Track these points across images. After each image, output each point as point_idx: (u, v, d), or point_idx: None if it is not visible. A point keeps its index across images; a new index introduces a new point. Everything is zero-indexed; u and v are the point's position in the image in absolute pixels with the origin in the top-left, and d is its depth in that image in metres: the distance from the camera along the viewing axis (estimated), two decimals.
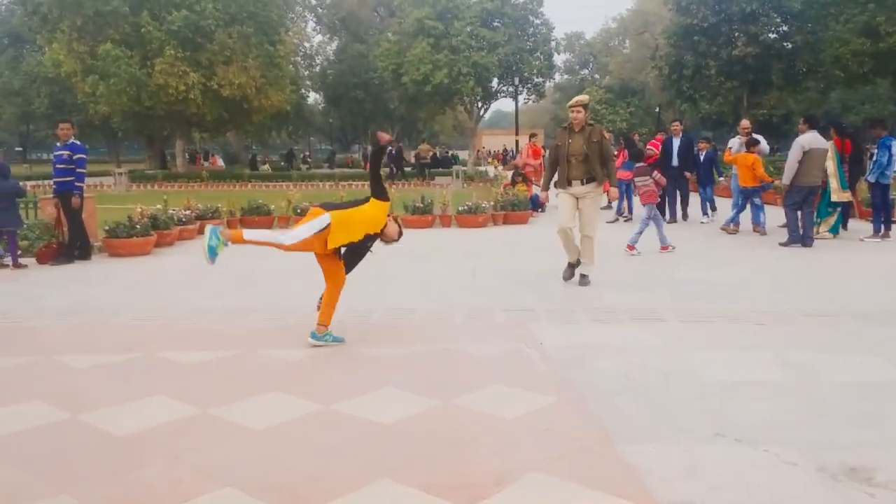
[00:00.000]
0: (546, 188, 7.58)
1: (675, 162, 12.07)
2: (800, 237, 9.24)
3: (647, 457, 3.04)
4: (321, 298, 4.83)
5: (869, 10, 24.64)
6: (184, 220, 10.80)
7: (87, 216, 9.35)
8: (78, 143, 8.96)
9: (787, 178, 9.39)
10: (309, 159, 45.84)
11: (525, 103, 49.23)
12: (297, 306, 5.91)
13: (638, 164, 9.22)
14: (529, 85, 39.48)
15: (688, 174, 12.31)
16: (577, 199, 6.78)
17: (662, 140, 12.73)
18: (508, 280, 7.21)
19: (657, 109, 48.52)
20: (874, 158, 9.69)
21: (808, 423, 3.42)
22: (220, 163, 42.99)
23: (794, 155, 9.25)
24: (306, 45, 48.54)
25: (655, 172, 8.99)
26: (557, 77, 54.54)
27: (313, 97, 54.71)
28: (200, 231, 11.10)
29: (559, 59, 50.87)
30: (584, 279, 6.82)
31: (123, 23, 27.73)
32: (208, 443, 3.29)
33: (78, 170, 8.78)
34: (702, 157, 12.55)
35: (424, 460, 3.07)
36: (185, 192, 21.40)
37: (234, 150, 52.29)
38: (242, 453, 3.16)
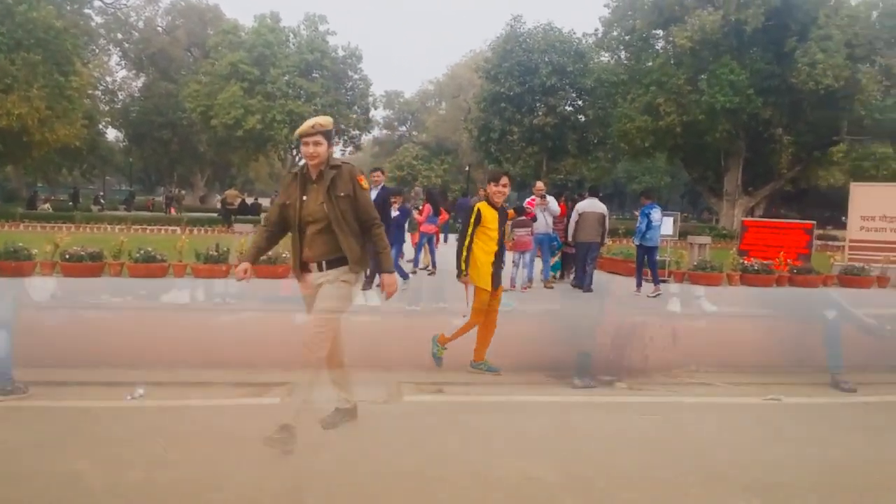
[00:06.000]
0: (253, 260, 4.11)
1: None
2: (582, 283, 10.74)
3: None
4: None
5: (651, 91, 27.84)
6: None
7: None
8: None
9: (569, 237, 11.11)
10: (102, 199, 42.06)
11: (341, 154, 49.47)
12: None
13: (520, 218, 10.57)
14: (346, 137, 39.74)
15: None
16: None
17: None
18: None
19: (467, 168, 50.97)
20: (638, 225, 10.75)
21: None
22: None
23: (572, 218, 11.00)
24: (108, 79, 45.01)
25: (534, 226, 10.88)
26: (376, 132, 55.59)
27: (114, 134, 50.74)
28: None
29: (378, 115, 51.99)
30: (335, 415, 4.16)
31: None
32: None
33: None
34: (393, 213, 10.53)
35: None
36: None
37: (14, 186, 46.68)
38: None
